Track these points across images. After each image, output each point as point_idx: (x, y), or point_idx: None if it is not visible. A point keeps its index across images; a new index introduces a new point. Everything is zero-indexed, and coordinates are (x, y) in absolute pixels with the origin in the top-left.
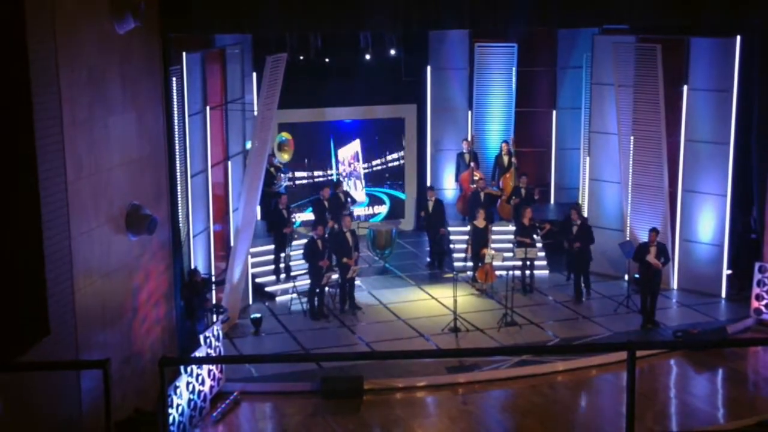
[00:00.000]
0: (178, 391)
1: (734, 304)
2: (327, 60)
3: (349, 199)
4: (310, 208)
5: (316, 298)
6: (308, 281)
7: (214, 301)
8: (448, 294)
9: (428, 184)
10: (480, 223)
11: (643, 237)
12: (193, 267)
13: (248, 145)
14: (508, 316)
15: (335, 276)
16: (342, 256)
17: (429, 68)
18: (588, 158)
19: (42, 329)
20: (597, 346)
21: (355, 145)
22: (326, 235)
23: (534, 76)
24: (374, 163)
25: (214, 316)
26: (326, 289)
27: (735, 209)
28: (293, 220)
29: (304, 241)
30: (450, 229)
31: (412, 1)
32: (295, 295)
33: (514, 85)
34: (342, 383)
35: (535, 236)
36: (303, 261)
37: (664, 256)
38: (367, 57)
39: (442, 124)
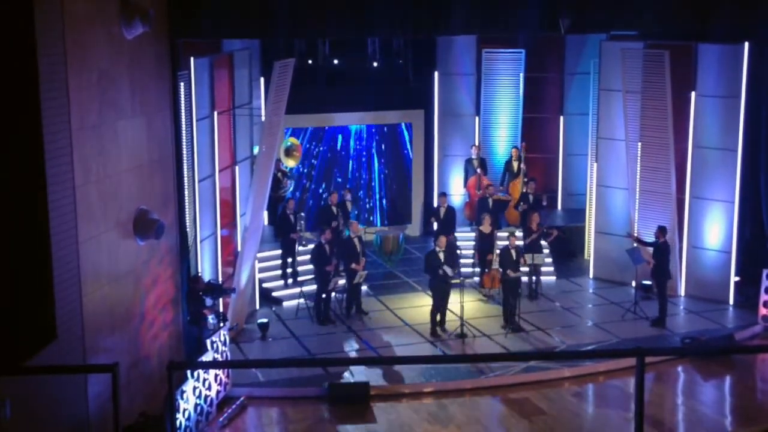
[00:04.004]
0: (185, 395)
1: (742, 311)
2: (335, 63)
3: (354, 207)
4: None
5: (322, 303)
6: (315, 286)
7: (219, 308)
8: (454, 299)
9: (435, 189)
10: (486, 228)
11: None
12: (193, 274)
13: (256, 150)
14: (514, 322)
15: (342, 281)
16: (350, 261)
17: (436, 74)
18: (595, 164)
19: (49, 333)
20: (606, 353)
21: None
22: (344, 238)
23: (541, 82)
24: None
25: (220, 323)
26: (333, 294)
27: (743, 216)
28: (301, 222)
29: (312, 246)
30: (457, 234)
31: (420, 7)
32: (302, 300)
33: (521, 91)
34: (349, 388)
35: (542, 242)
36: (310, 266)
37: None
38: (375, 64)
39: (449, 129)
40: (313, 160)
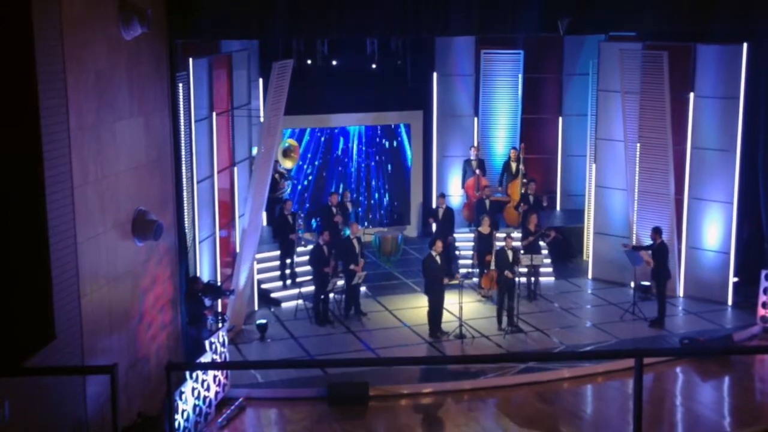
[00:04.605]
0: (183, 396)
1: (741, 312)
2: (334, 63)
3: (352, 209)
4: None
5: (321, 304)
6: (313, 287)
7: (218, 309)
8: (453, 300)
9: (434, 190)
10: (485, 229)
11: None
12: (191, 275)
13: (254, 151)
14: (513, 323)
15: (341, 282)
16: (349, 262)
17: (435, 74)
18: (594, 165)
19: (48, 334)
20: (605, 353)
21: None
22: (343, 238)
23: (540, 83)
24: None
25: (219, 324)
26: (331, 295)
27: (741, 217)
28: (300, 226)
29: (311, 247)
30: (456, 235)
31: (420, 7)
32: (301, 301)
33: (520, 92)
34: (347, 389)
35: (540, 242)
36: (308, 267)
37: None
38: (373, 65)
39: (448, 130)
40: (309, 177)
